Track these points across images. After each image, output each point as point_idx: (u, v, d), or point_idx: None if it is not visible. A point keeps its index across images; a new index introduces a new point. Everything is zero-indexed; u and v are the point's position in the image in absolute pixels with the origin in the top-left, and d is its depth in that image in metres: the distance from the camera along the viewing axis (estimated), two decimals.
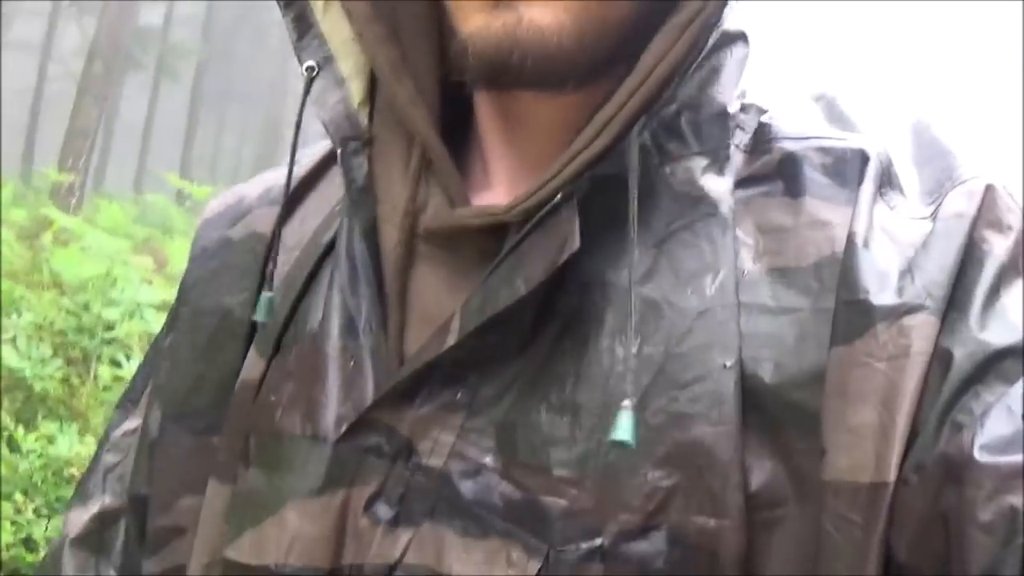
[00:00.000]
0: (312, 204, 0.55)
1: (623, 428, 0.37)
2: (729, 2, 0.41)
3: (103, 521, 0.57)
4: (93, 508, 0.58)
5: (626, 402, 0.38)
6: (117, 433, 0.59)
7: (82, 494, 0.59)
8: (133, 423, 0.58)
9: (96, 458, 0.60)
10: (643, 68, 0.42)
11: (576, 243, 0.40)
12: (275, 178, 0.58)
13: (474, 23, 0.43)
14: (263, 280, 0.52)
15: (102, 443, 0.60)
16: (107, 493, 0.58)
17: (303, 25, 0.50)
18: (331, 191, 0.54)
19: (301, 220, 0.54)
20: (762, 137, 0.46)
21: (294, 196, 0.55)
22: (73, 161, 9.19)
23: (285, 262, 0.52)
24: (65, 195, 8.14)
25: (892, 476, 0.37)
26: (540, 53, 0.42)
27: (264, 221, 0.55)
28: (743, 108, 0.47)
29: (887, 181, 0.44)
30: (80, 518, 0.58)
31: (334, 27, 0.50)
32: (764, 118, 0.47)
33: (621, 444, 0.37)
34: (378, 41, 0.48)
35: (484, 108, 0.49)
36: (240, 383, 0.50)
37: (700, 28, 0.41)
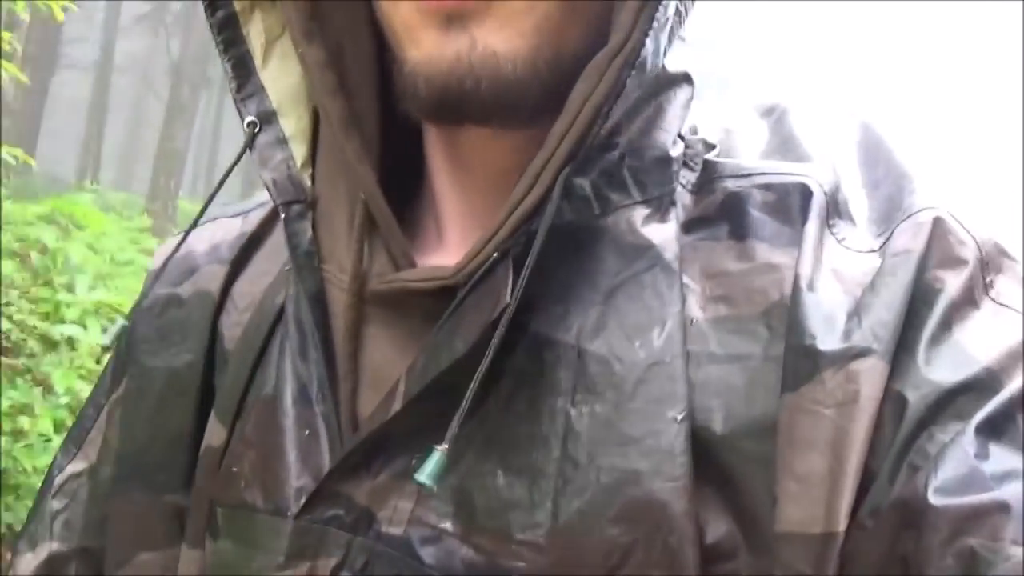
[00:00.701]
0: (261, 261, 0.54)
1: (427, 470, 0.38)
2: (650, 42, 0.40)
3: (51, 567, 0.57)
4: (42, 554, 0.57)
5: (441, 446, 0.38)
6: (61, 477, 0.59)
7: (29, 538, 0.59)
8: (77, 466, 0.58)
9: (41, 500, 0.59)
10: (570, 111, 0.41)
11: (506, 300, 0.40)
12: (224, 232, 0.57)
13: (424, 49, 0.42)
14: (214, 340, 0.52)
15: (46, 486, 0.59)
16: (54, 539, 0.57)
17: (243, 73, 0.49)
18: (280, 246, 0.53)
19: (251, 280, 0.54)
20: (708, 175, 0.45)
21: (243, 254, 0.54)
22: (164, 180, 9.44)
23: (238, 323, 0.52)
24: (160, 215, 8.40)
25: (842, 526, 0.37)
26: (494, 80, 0.41)
27: (212, 280, 0.55)
28: (689, 145, 0.46)
29: (834, 211, 0.43)
30: (28, 564, 0.58)
31: (276, 78, 0.49)
32: (711, 155, 0.46)
33: (422, 485, 0.38)
34: (328, 93, 0.47)
35: (434, 155, 0.48)
36: (204, 449, 0.50)
37: (620, 67, 0.40)
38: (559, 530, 0.40)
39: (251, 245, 0.55)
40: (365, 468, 0.44)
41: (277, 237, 0.55)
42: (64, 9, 2.55)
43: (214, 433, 0.50)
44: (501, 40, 0.41)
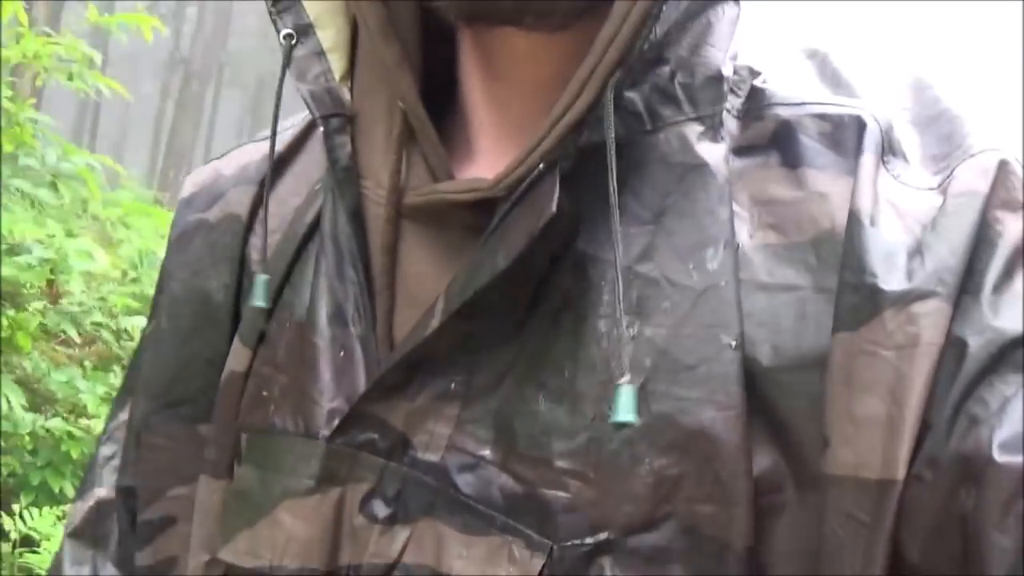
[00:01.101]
0: (290, 181, 0.53)
1: (624, 407, 0.36)
2: None
3: (99, 513, 0.57)
4: (90, 500, 0.58)
5: (624, 378, 0.36)
6: (112, 425, 0.59)
7: (83, 487, 0.59)
8: (127, 414, 0.58)
9: (96, 451, 0.59)
10: (617, 14, 0.39)
11: (552, 210, 0.38)
12: (251, 154, 0.56)
13: None
14: (243, 264, 0.51)
15: (101, 435, 0.60)
16: (103, 485, 0.57)
17: None
18: (310, 167, 0.53)
19: (280, 200, 0.53)
20: (756, 102, 0.44)
21: (271, 174, 0.53)
22: (174, 175, 9.52)
23: (268, 245, 0.51)
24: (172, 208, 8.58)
25: (901, 473, 0.36)
26: None
27: (241, 201, 0.54)
28: (736, 71, 0.45)
29: (888, 148, 0.42)
30: (79, 511, 0.58)
31: None
32: (757, 81, 0.45)
33: (623, 425, 0.36)
34: None
35: (467, 64, 0.47)
36: (227, 374, 0.49)
37: None
38: (603, 458, 0.39)
39: (280, 164, 0.54)
40: (401, 390, 0.43)
41: (306, 157, 0.54)
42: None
43: (237, 357, 0.49)
44: None
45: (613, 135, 0.39)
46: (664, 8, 0.39)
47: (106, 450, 0.59)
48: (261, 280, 0.48)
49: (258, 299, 0.48)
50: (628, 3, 0.39)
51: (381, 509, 0.43)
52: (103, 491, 0.58)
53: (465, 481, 0.41)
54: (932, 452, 0.36)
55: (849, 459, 0.37)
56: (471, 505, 0.41)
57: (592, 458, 0.39)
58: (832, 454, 0.37)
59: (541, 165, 0.40)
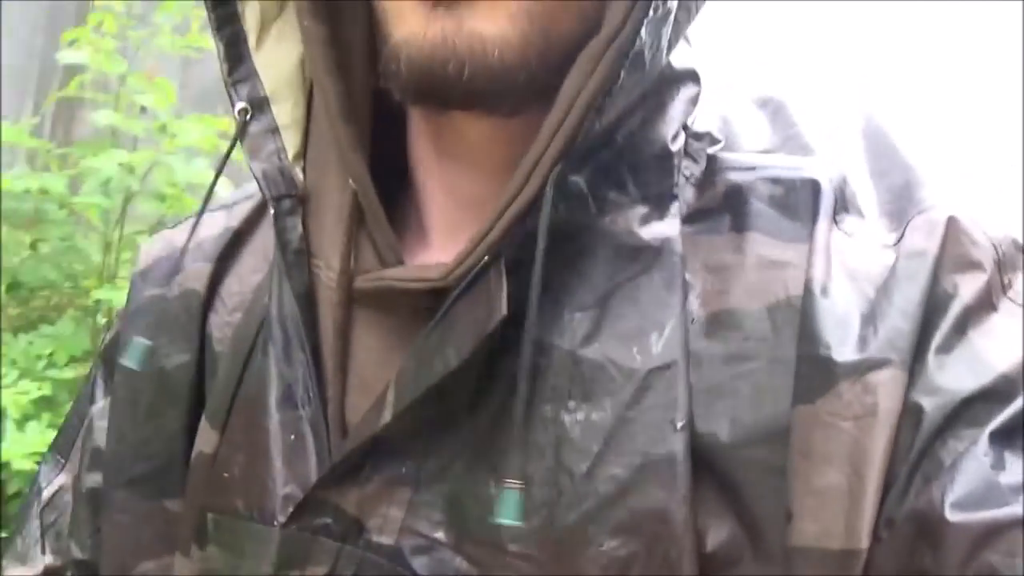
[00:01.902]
0: (249, 258, 0.53)
1: (507, 509, 0.37)
2: (645, 33, 0.39)
3: None
4: (37, 568, 0.56)
5: (512, 482, 0.38)
6: (50, 490, 0.57)
7: (17, 554, 0.57)
8: (65, 478, 0.57)
9: (27, 513, 0.58)
10: (562, 104, 0.39)
11: (503, 311, 0.39)
12: (208, 228, 0.55)
13: (408, 27, 0.40)
14: (203, 342, 0.51)
15: (32, 498, 0.58)
16: (48, 553, 0.56)
17: (235, 55, 0.47)
18: (267, 241, 0.52)
19: (239, 278, 0.52)
20: (710, 169, 0.44)
21: (228, 251, 0.53)
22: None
23: (228, 323, 0.51)
24: None
25: (865, 543, 0.36)
26: (478, 65, 0.39)
27: (198, 278, 0.53)
28: (697, 137, 0.45)
29: (842, 206, 0.42)
30: None
31: (270, 62, 0.47)
32: (713, 149, 0.44)
33: (508, 527, 0.37)
34: (328, 73, 0.45)
35: (419, 143, 0.47)
36: (196, 455, 0.49)
37: (614, 58, 0.39)
38: (554, 542, 0.39)
39: (237, 241, 0.54)
40: (353, 476, 0.43)
41: (264, 232, 0.53)
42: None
43: (205, 439, 0.49)
44: (489, 24, 0.39)
45: (546, 228, 0.39)
46: (614, 95, 0.39)
47: (47, 517, 0.57)
48: (134, 343, 0.49)
49: (130, 360, 0.48)
50: (573, 92, 0.39)
51: None
52: (49, 559, 0.56)
53: (421, 564, 0.41)
54: (889, 513, 0.36)
55: (812, 530, 0.37)
56: None
57: (542, 542, 0.39)
58: (796, 526, 0.37)
59: (487, 256, 0.40)
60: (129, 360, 0.53)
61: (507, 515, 0.38)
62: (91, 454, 0.56)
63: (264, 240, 0.53)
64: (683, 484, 0.38)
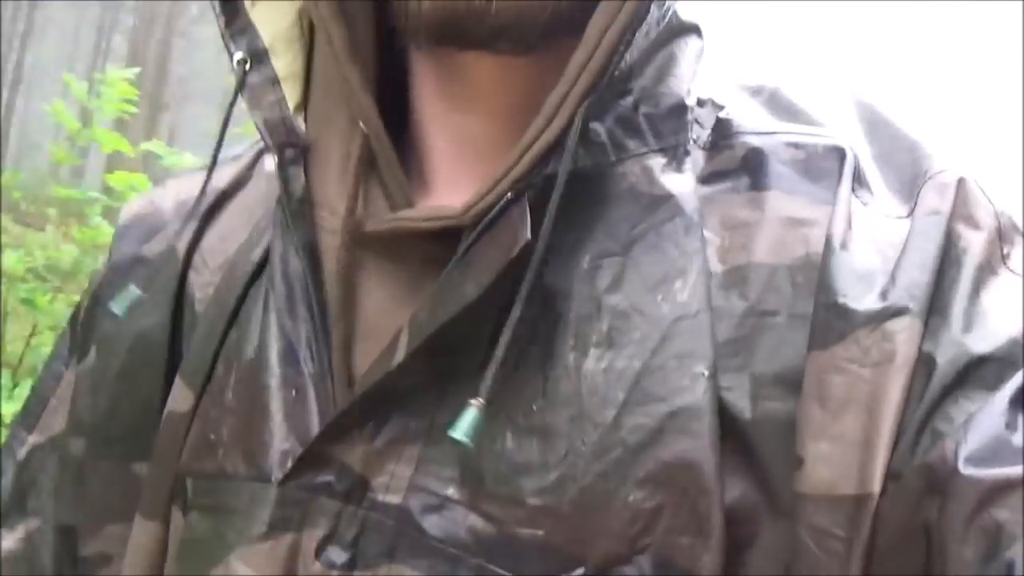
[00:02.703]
0: (232, 217, 0.52)
1: (463, 427, 0.36)
2: None
3: (30, 543, 0.54)
4: (18, 531, 0.55)
5: (474, 400, 0.36)
6: (24, 450, 0.56)
7: None
8: (39, 438, 0.56)
9: (1, 477, 0.57)
10: (589, 41, 0.39)
11: (527, 236, 0.37)
12: (191, 187, 0.54)
13: None
14: (180, 302, 0.50)
15: (6, 459, 0.57)
16: (29, 514, 0.55)
17: (231, 9, 0.46)
18: (252, 201, 0.51)
19: (221, 237, 0.51)
20: (723, 132, 0.44)
21: (211, 210, 0.52)
22: None
23: (209, 283, 0.49)
24: None
25: (877, 487, 0.36)
26: None
27: (180, 237, 0.52)
28: (699, 103, 0.44)
29: (857, 179, 0.42)
30: (5, 541, 0.55)
31: (267, 17, 0.46)
32: (722, 114, 0.44)
33: (458, 443, 0.36)
34: (333, 17, 0.44)
35: (424, 88, 0.46)
36: (167, 414, 0.47)
37: None
38: (577, 494, 0.38)
39: (220, 201, 0.53)
40: (359, 430, 0.41)
41: (249, 192, 0.52)
42: None
43: (179, 398, 0.47)
44: None
45: (569, 166, 0.38)
46: (641, 30, 0.39)
47: (23, 478, 0.55)
48: (129, 290, 0.47)
49: (116, 307, 0.46)
50: (600, 29, 0.39)
51: (338, 555, 0.41)
52: (32, 521, 0.54)
53: (431, 523, 0.39)
54: (897, 466, 0.36)
55: (824, 476, 0.37)
56: (437, 547, 0.39)
57: (566, 495, 0.38)
58: (806, 473, 0.37)
59: (509, 194, 0.39)
60: (117, 306, 0.50)
61: (461, 433, 0.36)
62: (71, 416, 0.54)
63: (248, 200, 0.52)
64: (710, 434, 0.38)
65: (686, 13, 0.45)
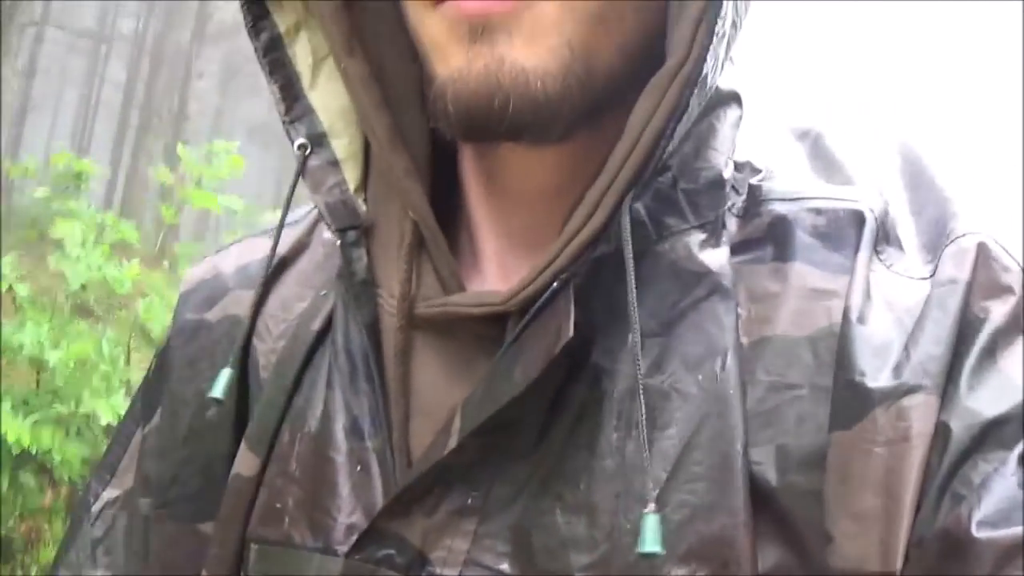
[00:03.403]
0: (292, 285, 0.53)
1: (651, 538, 0.36)
2: (710, 58, 0.38)
3: None
4: None
5: (650, 507, 0.37)
6: (98, 504, 0.57)
7: (69, 566, 0.57)
8: (112, 493, 0.57)
9: (77, 528, 0.58)
10: (632, 131, 0.39)
11: (570, 332, 0.39)
12: (252, 252, 0.56)
13: (453, 65, 0.40)
14: (244, 368, 0.51)
15: (81, 511, 0.58)
16: (99, 567, 0.56)
17: (290, 95, 0.47)
18: (311, 268, 0.52)
19: (283, 304, 0.52)
20: (754, 199, 0.44)
21: (272, 277, 0.53)
22: None
23: (272, 350, 0.50)
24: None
25: (899, 564, 0.36)
26: (523, 97, 0.39)
27: (241, 303, 0.53)
28: (737, 167, 0.45)
29: (883, 238, 0.42)
30: None
31: (326, 99, 0.48)
32: (755, 179, 0.45)
33: (651, 556, 0.36)
34: (374, 107, 0.46)
35: (470, 174, 0.47)
36: (233, 477, 0.49)
37: (682, 85, 0.39)
38: (623, 569, 0.39)
39: (280, 266, 0.53)
40: (419, 505, 0.43)
41: (308, 259, 0.53)
42: None
43: (244, 462, 0.49)
44: (529, 56, 0.39)
45: (631, 254, 0.39)
46: (682, 120, 0.39)
47: (96, 531, 0.57)
48: (224, 374, 0.47)
49: (216, 391, 0.47)
50: (642, 120, 0.39)
51: None
52: (100, 572, 0.56)
53: None
54: (920, 532, 0.36)
55: (852, 553, 0.37)
56: None
57: (612, 570, 0.39)
58: (836, 549, 0.37)
59: (555, 284, 0.40)
60: (216, 391, 0.49)
61: (652, 544, 0.36)
62: (139, 475, 0.56)
63: (308, 267, 0.53)
64: (744, 510, 0.38)
65: (726, 81, 0.45)
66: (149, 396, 0.57)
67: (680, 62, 0.39)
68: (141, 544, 0.54)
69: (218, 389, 0.47)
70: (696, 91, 0.39)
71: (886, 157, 0.46)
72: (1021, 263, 0.40)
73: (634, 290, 0.38)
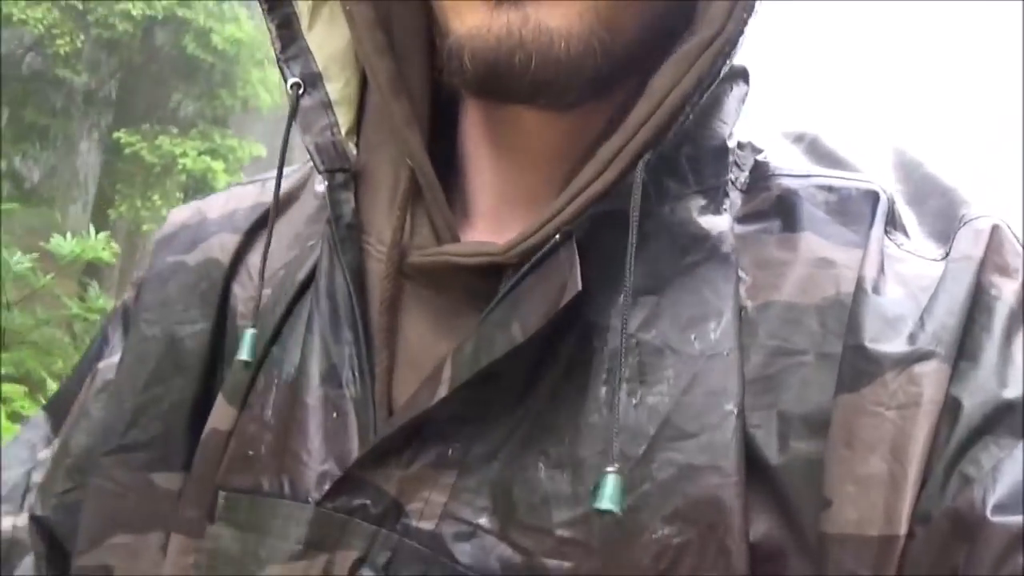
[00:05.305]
0: (280, 234, 0.51)
1: (609, 496, 0.36)
2: (744, 31, 0.39)
3: (14, 538, 0.53)
4: (6, 523, 0.53)
5: (610, 467, 0.36)
6: (45, 453, 0.55)
7: (7, 501, 0.55)
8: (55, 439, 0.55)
9: (13, 456, 0.56)
10: (654, 96, 0.39)
11: (577, 286, 0.38)
12: (239, 199, 0.55)
13: (472, 21, 0.40)
14: (223, 313, 0.50)
15: (19, 447, 0.56)
16: (24, 511, 0.54)
17: (287, 35, 0.47)
18: (300, 221, 0.52)
19: (269, 253, 0.50)
20: (760, 175, 0.44)
21: (259, 224, 0.52)
22: None
23: (253, 297, 0.49)
24: None
25: (903, 529, 0.36)
26: (545, 57, 0.39)
27: (225, 248, 0.52)
28: (740, 146, 0.45)
29: (891, 221, 0.42)
30: (6, 526, 0.54)
31: (322, 41, 0.47)
32: (760, 156, 0.45)
33: (607, 513, 0.36)
34: (377, 52, 0.45)
35: (472, 129, 0.47)
36: (208, 432, 0.47)
37: (715, 56, 0.39)
38: (606, 527, 0.38)
39: (268, 216, 0.52)
40: (397, 456, 0.42)
41: (297, 210, 0.53)
42: None
43: (221, 415, 0.47)
44: (556, 17, 0.39)
45: (638, 213, 0.39)
46: (701, 99, 0.39)
47: (36, 476, 0.54)
48: (248, 335, 0.46)
49: (244, 353, 0.45)
50: (665, 87, 0.39)
51: None
52: (19, 520, 0.53)
53: (462, 550, 0.40)
54: (925, 508, 0.36)
55: (851, 517, 0.37)
56: (467, 575, 0.40)
57: (594, 527, 0.38)
58: (833, 514, 0.37)
59: (557, 236, 0.40)
60: (245, 353, 0.48)
61: (608, 502, 0.36)
62: (85, 414, 0.54)
63: (296, 218, 0.52)
64: (736, 472, 0.38)
65: (737, 57, 0.45)
66: (111, 335, 0.56)
67: (715, 33, 0.39)
68: (63, 480, 0.52)
69: (244, 351, 0.46)
70: (726, 62, 0.39)
71: (880, 155, 0.47)
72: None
73: (634, 247, 0.38)
